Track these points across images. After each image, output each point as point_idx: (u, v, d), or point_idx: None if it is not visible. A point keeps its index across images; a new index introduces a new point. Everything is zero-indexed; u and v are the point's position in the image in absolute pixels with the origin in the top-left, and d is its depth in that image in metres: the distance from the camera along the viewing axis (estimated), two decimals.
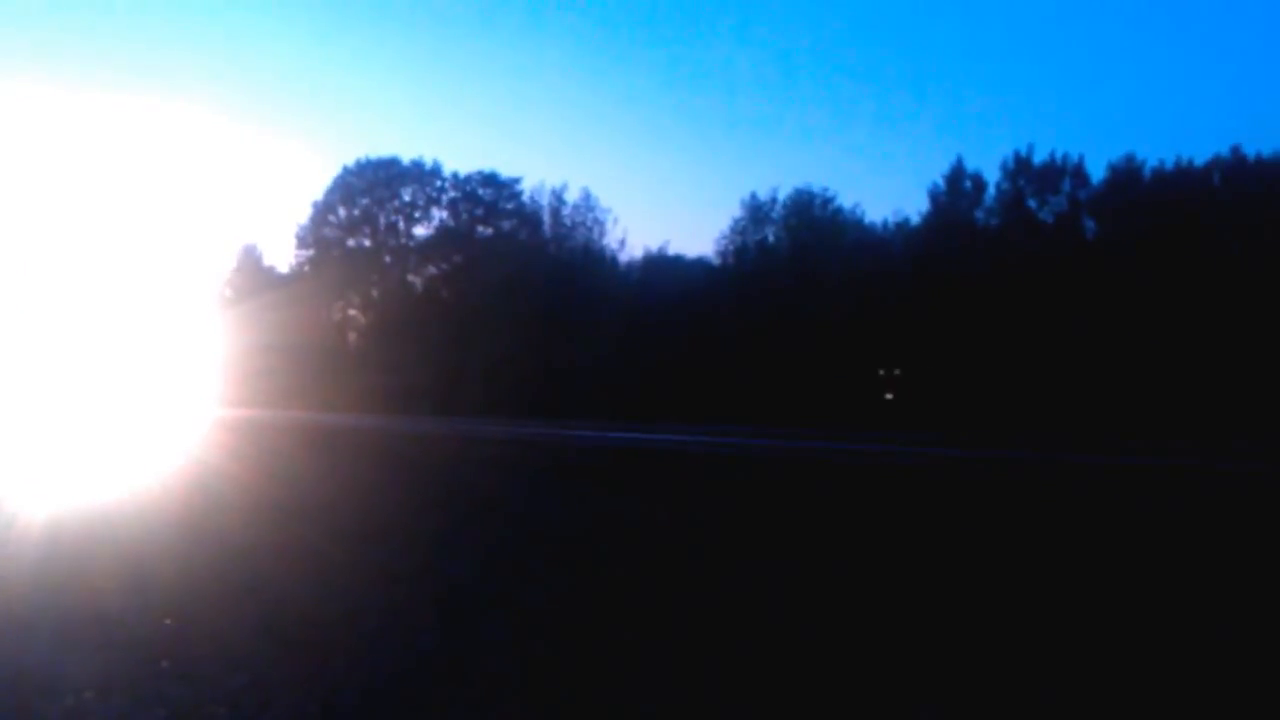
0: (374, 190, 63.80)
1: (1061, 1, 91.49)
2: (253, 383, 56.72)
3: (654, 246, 61.85)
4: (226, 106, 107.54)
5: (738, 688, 2.96)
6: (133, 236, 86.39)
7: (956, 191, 48.36)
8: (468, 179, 63.32)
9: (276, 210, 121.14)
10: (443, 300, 59.14)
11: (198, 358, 60.76)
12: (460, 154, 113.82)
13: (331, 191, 65.01)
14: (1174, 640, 3.63)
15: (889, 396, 45.70)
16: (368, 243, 64.32)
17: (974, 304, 42.07)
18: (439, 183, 63.77)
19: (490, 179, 63.15)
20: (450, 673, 3.10)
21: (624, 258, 60.60)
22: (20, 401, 40.32)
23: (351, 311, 64.64)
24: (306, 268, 65.39)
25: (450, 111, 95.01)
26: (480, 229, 63.10)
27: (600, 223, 60.35)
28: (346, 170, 64.65)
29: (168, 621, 3.68)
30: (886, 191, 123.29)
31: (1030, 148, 47.02)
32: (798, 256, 51.00)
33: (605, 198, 75.52)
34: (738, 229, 55.28)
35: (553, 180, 65.95)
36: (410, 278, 63.08)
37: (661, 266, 59.48)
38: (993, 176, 47.85)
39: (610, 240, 60.44)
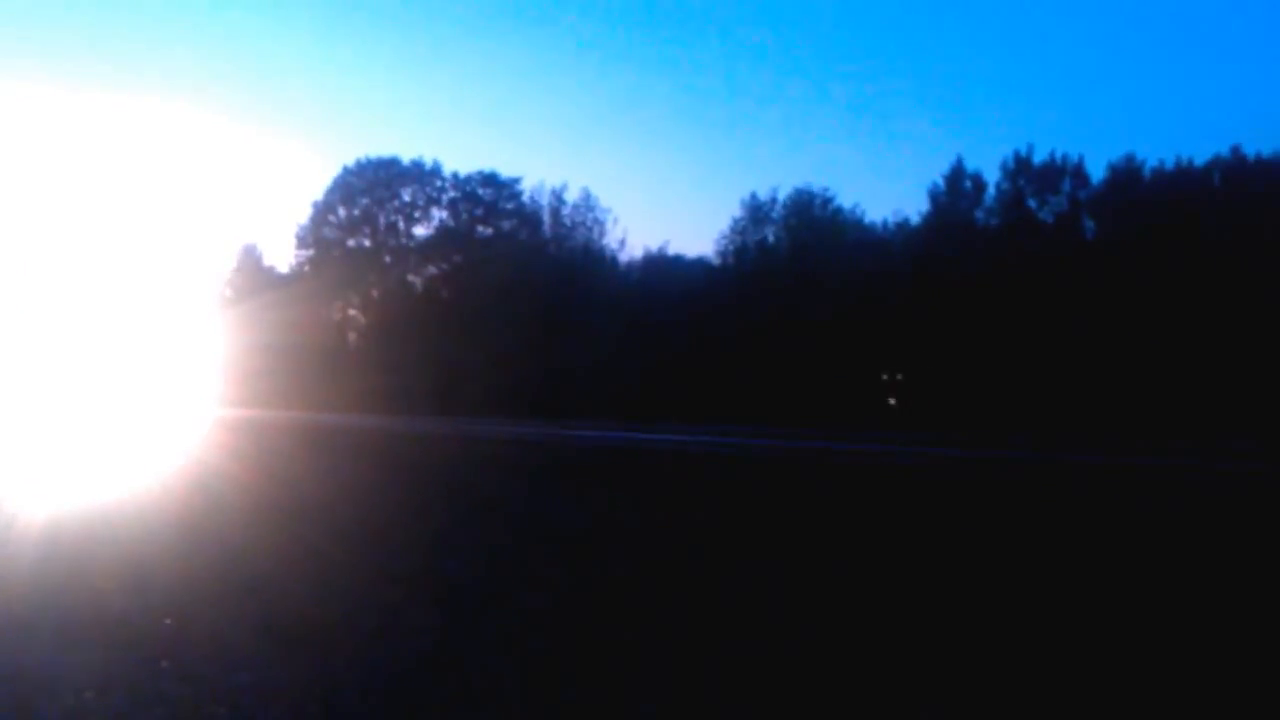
0: (374, 190, 63.78)
1: (1061, 1, 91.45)
2: (252, 383, 56.71)
3: (654, 246, 61.81)
4: (227, 106, 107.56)
5: (738, 688, 2.96)
6: (133, 237, 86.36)
7: (956, 191, 48.34)
8: (468, 179, 63.30)
9: (276, 210, 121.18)
10: (443, 300, 59.12)
11: (198, 358, 60.76)
12: (460, 154, 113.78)
13: (331, 191, 64.99)
14: (1174, 640, 3.63)
15: (891, 402, 45.71)
16: (368, 243, 64.30)
17: (974, 304, 42.06)
18: (439, 183, 63.75)
19: (490, 179, 63.13)
20: (450, 672, 3.10)
21: (624, 258, 60.57)
22: (21, 402, 40.32)
23: (351, 311, 64.63)
24: (306, 268, 65.36)
25: (450, 111, 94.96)
26: (480, 229, 63.08)
27: (600, 223, 60.33)
28: (346, 170, 64.62)
29: (168, 621, 3.68)
30: (886, 191, 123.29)
31: (1030, 148, 46.97)
32: (798, 256, 50.98)
33: (605, 198, 75.41)
34: (738, 229, 55.26)
35: (553, 180, 65.91)
36: (410, 278, 63.05)
37: (661, 266, 59.46)
38: (993, 176, 47.80)
39: (610, 240, 60.42)
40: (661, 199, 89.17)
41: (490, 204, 63.25)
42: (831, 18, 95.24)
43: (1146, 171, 45.76)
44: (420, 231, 64.02)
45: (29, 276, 56.04)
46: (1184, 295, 38.28)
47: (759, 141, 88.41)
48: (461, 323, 54.35)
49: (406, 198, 63.90)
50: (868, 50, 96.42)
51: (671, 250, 61.53)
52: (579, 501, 8.48)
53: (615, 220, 60.44)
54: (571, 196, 60.81)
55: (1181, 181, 44.36)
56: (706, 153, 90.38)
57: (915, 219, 50.90)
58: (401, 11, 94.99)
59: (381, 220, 64.05)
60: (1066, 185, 46.38)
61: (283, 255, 76.74)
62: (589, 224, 60.48)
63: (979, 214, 48.05)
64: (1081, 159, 46.15)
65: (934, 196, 49.01)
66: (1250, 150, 43.92)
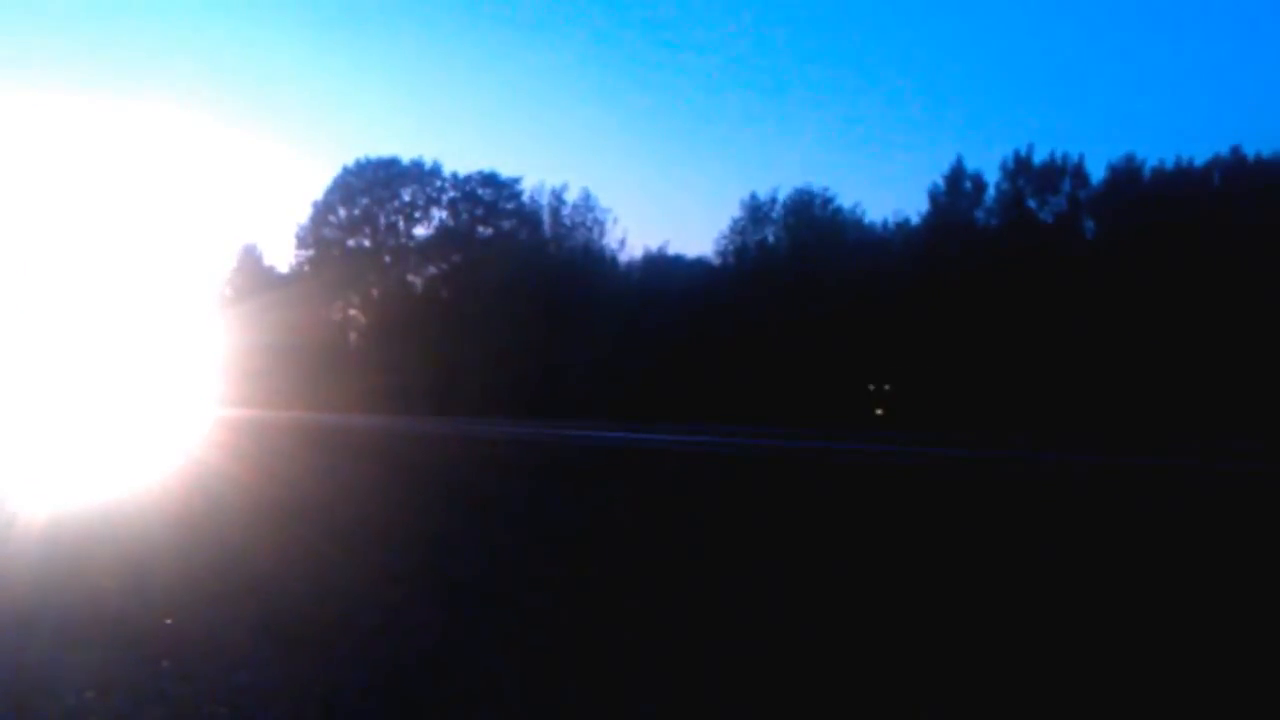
0: (374, 190, 63.79)
1: (1061, 1, 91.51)
2: (253, 382, 56.72)
3: (654, 246, 61.90)
4: (227, 107, 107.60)
5: (738, 687, 2.96)
6: (134, 237, 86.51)
7: (956, 191, 48.35)
8: (468, 179, 63.32)
9: (276, 210, 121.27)
10: (442, 300, 59.13)
11: (198, 358, 60.77)
12: (460, 154, 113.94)
13: (331, 191, 65.01)
14: (1174, 640, 3.63)
15: (887, 387, 45.64)
16: (368, 243, 64.31)
17: (974, 304, 42.06)
18: (439, 183, 63.78)
19: (490, 179, 63.15)
20: (450, 672, 3.10)
21: (624, 258, 60.62)
22: (21, 401, 40.32)
23: (351, 311, 64.64)
24: (306, 268, 65.37)
25: (450, 111, 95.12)
26: (480, 229, 63.10)
27: (600, 223, 60.37)
28: (346, 170, 64.65)
29: (168, 621, 3.68)
30: (886, 191, 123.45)
31: (1030, 148, 47.00)
32: (797, 257, 50.99)
33: (605, 198, 75.62)
34: (738, 229, 55.29)
35: (553, 180, 66.02)
36: (410, 278, 63.07)
37: (661, 266, 59.48)
38: (993, 177, 47.83)
39: (610, 240, 60.47)
40: (661, 199, 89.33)
41: (490, 204, 63.26)
42: (832, 18, 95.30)
43: (1146, 171, 45.78)
44: (420, 231, 64.07)
45: (30, 278, 56.05)
46: (1184, 295, 38.29)
47: (759, 141, 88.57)
48: (461, 323, 54.37)
49: (406, 198, 63.93)
50: (868, 50, 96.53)
51: (671, 250, 61.60)
52: (578, 501, 8.49)
53: (615, 220, 60.52)
54: (571, 196, 60.85)
55: (1181, 181, 44.39)
56: (706, 153, 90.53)
57: (915, 219, 50.94)
58: (402, 12, 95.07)
59: (381, 220, 64.07)
60: (1066, 185, 46.40)
61: (283, 255, 76.84)
62: (589, 224, 60.52)
63: (979, 214, 48.07)
64: (1081, 159, 46.20)
65: (934, 196, 49.04)
66: (1250, 150, 43.96)
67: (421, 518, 7.32)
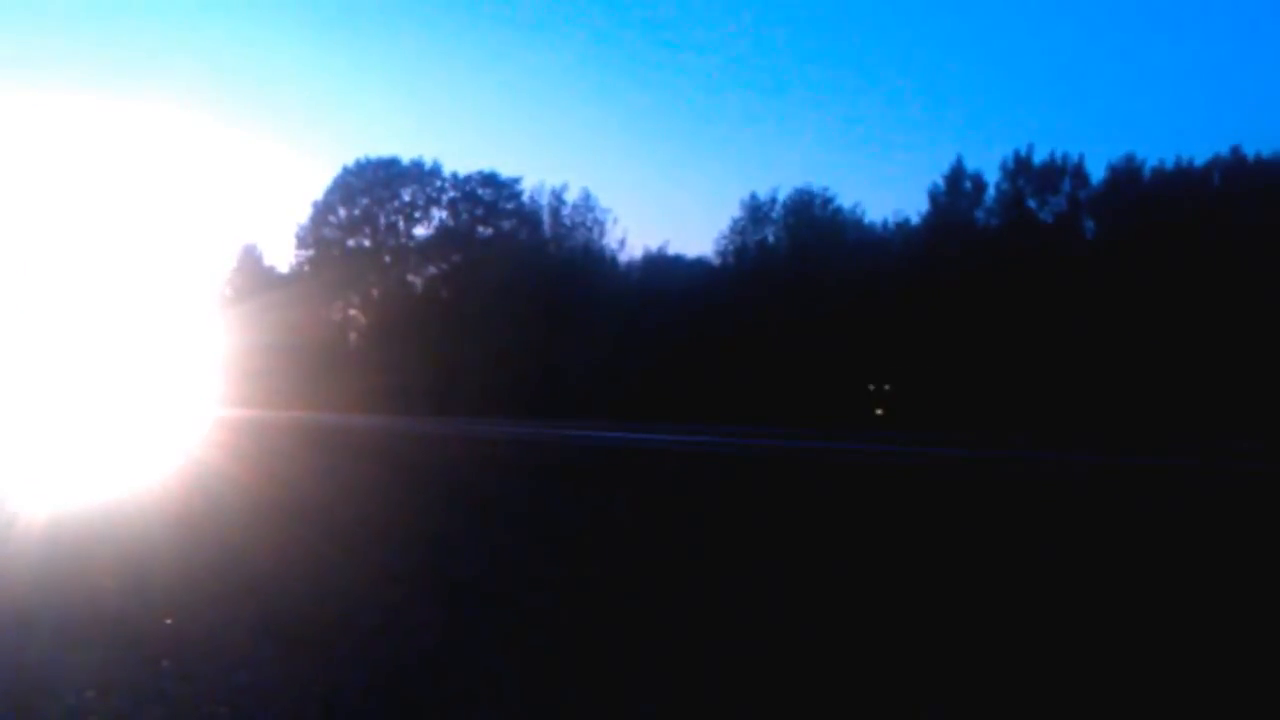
0: (374, 190, 63.81)
1: (1061, 1, 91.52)
2: (253, 382, 56.72)
3: (654, 246, 61.95)
4: (227, 107, 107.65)
5: (738, 687, 2.96)
6: (134, 238, 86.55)
7: (956, 191, 48.37)
8: (468, 179, 63.34)
9: (276, 210, 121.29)
10: (442, 300, 59.14)
11: (198, 358, 60.77)
12: (460, 154, 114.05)
13: (331, 191, 65.03)
14: (1174, 641, 3.63)
15: (887, 387, 45.65)
16: (368, 243, 64.33)
17: (974, 304, 42.06)
18: (439, 183, 63.79)
19: (490, 179, 63.17)
20: (450, 671, 3.10)
21: (624, 258, 60.65)
22: (22, 401, 40.32)
23: (351, 311, 64.66)
24: (306, 268, 65.39)
25: (450, 111, 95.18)
26: (480, 229, 63.12)
27: (600, 223, 60.40)
28: (346, 170, 64.68)
29: (168, 620, 3.68)
30: (886, 191, 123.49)
31: (1030, 148, 47.01)
32: (797, 256, 51.01)
33: (605, 198, 75.66)
34: (738, 229, 55.31)
35: (553, 180, 66.05)
36: (410, 278, 63.09)
37: (661, 266, 59.51)
38: (993, 177, 47.85)
39: (610, 240, 60.50)
40: (661, 199, 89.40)
41: (490, 204, 63.28)
42: (832, 18, 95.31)
43: (1146, 171, 45.79)
44: (420, 231, 64.10)
45: (31, 278, 56.06)
46: (1184, 295, 38.30)
47: (759, 141, 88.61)
48: (461, 323, 54.38)
49: (406, 198, 63.95)
50: (868, 50, 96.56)
51: (671, 250, 61.64)
52: (578, 501, 8.49)
53: (615, 220, 60.56)
54: (571, 196, 60.88)
55: (1181, 181, 44.40)
56: (706, 153, 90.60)
57: (915, 219, 50.97)
58: (402, 12, 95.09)
59: (381, 220, 64.08)
60: (1066, 185, 46.41)
61: (283, 255, 76.89)
62: (589, 224, 60.55)
63: (979, 214, 48.09)
64: (1081, 159, 46.22)
65: (934, 196, 49.05)
66: (1250, 150, 43.98)
67: (421, 518, 7.32)
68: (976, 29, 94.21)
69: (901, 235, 51.41)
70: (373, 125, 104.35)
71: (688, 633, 3.62)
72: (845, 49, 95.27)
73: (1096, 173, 46.37)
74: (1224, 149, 44.56)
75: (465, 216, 63.11)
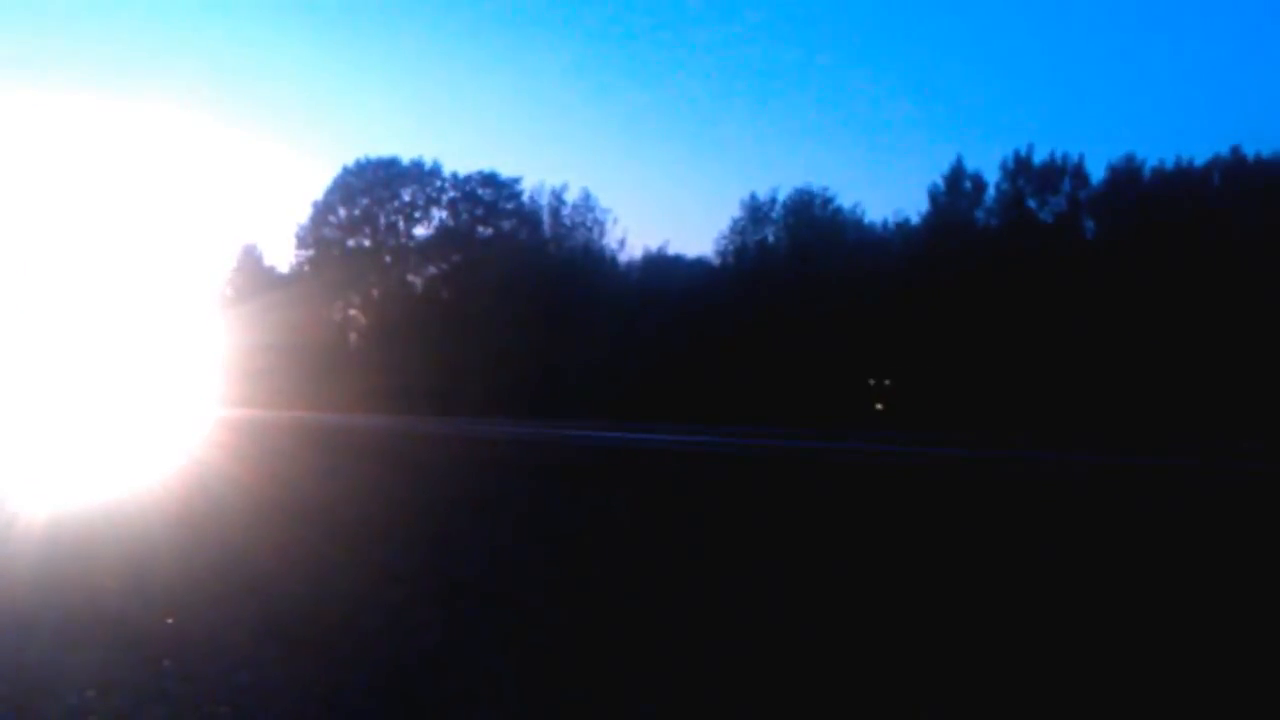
0: (374, 190, 63.81)
1: (1061, 1, 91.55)
2: (253, 382, 56.73)
3: (654, 246, 61.95)
4: (227, 107, 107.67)
5: (738, 687, 2.97)
6: (134, 238, 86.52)
7: (956, 191, 48.36)
8: (468, 179, 63.34)
9: (276, 210, 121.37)
10: (443, 300, 59.15)
11: (198, 358, 60.77)
12: (460, 154, 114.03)
13: (331, 191, 65.03)
14: (1174, 641, 3.64)
15: (887, 382, 45.63)
16: (368, 243, 64.33)
17: (974, 304, 42.06)
18: (439, 183, 63.79)
19: (490, 179, 63.17)
20: (451, 671, 3.10)
21: (623, 258, 60.65)
22: (22, 401, 40.32)
23: (352, 311, 64.66)
24: (307, 268, 65.40)
25: (450, 111, 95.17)
26: (480, 229, 63.12)
27: (600, 223, 60.39)
28: (346, 170, 64.67)
29: (169, 620, 3.68)
30: (886, 191, 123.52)
31: (1030, 148, 47.00)
32: (797, 256, 51.01)
33: (605, 198, 75.57)
34: (737, 229, 55.32)
35: (552, 180, 65.97)
36: (410, 278, 63.10)
37: (661, 266, 59.51)
38: (993, 177, 47.84)
39: (610, 240, 60.49)
40: (661, 199, 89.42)
41: (490, 204, 63.29)
42: (832, 18, 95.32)
43: (1146, 171, 45.80)
44: (420, 231, 64.10)
45: (31, 278, 56.07)
46: (1184, 295, 38.30)
47: (759, 141, 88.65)
48: (462, 323, 54.38)
49: (406, 198, 63.95)
50: (868, 50, 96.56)
51: (671, 250, 61.65)
52: (579, 501, 8.49)
53: (615, 220, 60.54)
54: (571, 197, 60.87)
55: (1181, 181, 44.41)
56: (706, 153, 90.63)
57: (915, 219, 50.96)
58: (402, 12, 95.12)
59: (381, 220, 64.09)
60: (1066, 185, 46.41)
61: (283, 255, 76.81)
62: (589, 224, 60.55)
63: (979, 214, 48.09)
64: (1081, 159, 46.21)
65: (934, 196, 49.05)
66: (1250, 150, 43.98)
67: (422, 518, 7.32)
68: (976, 29, 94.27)
69: (901, 235, 51.41)
70: (373, 125, 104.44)
71: (688, 633, 3.62)
72: (845, 49, 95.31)
73: (1096, 173, 46.40)
74: (1224, 149, 44.61)
75: (465, 216, 63.12)
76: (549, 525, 6.95)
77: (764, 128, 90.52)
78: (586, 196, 60.50)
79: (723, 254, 55.95)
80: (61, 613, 3.81)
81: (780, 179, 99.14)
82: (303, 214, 66.89)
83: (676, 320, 50.53)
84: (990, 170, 48.22)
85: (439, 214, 63.70)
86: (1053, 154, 46.38)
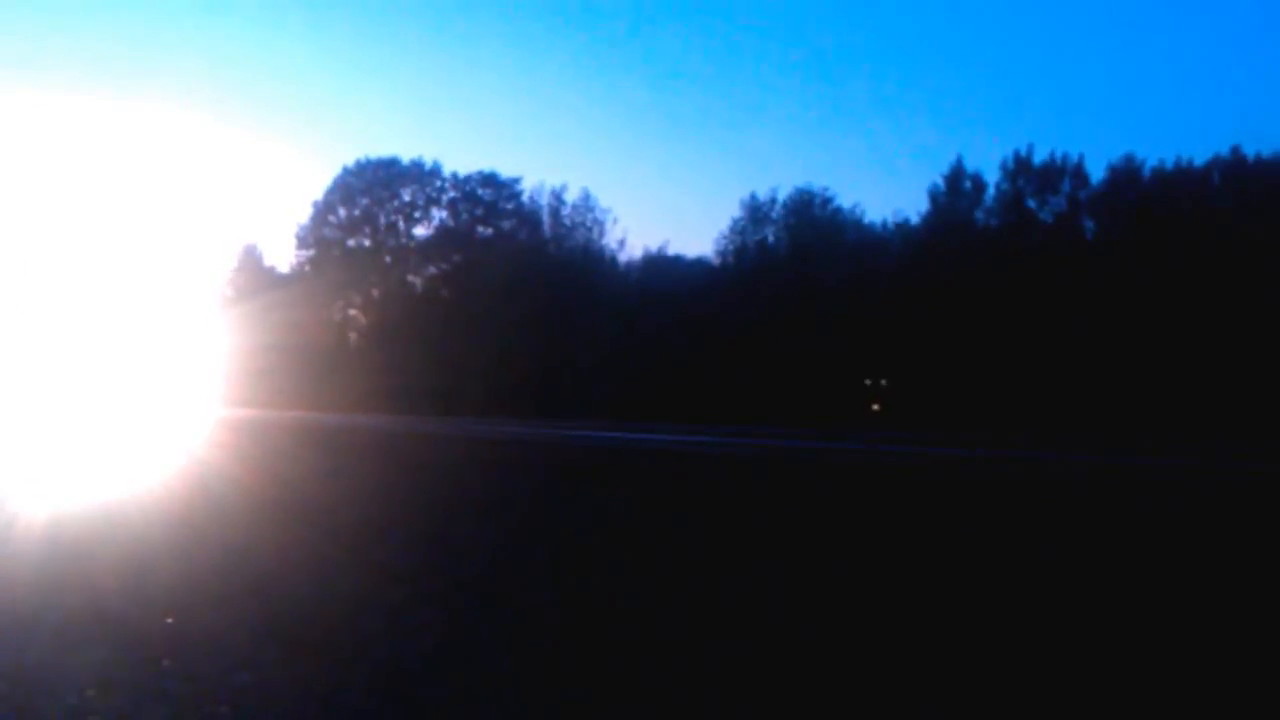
0: (374, 190, 63.80)
1: (1061, 2, 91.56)
2: (254, 382, 56.70)
3: (653, 247, 61.92)
4: (227, 107, 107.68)
5: (738, 687, 2.97)
6: (134, 238, 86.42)
7: (956, 191, 48.36)
8: (468, 179, 63.33)
9: (276, 210, 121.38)
10: (443, 300, 59.15)
11: (199, 358, 60.74)
12: (460, 154, 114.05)
13: (331, 191, 65.03)
14: (1173, 642, 3.64)
15: (884, 382, 45.62)
16: (368, 243, 64.33)
17: (974, 304, 42.05)
18: (439, 183, 63.79)
19: (490, 179, 63.16)
20: (451, 672, 3.11)
21: (623, 258, 60.64)
22: (22, 402, 40.32)
23: (352, 311, 64.66)
24: (307, 268, 65.39)
25: (450, 111, 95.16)
26: (480, 229, 63.11)
27: (600, 223, 60.38)
28: (346, 170, 64.67)
29: (169, 620, 3.69)
30: (886, 191, 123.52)
31: (1030, 148, 47.01)
32: (797, 256, 51.00)
33: (605, 198, 75.59)
34: (737, 229, 55.32)
35: (552, 180, 65.94)
36: (410, 278, 63.10)
37: (661, 267, 59.50)
38: (993, 176, 47.84)
39: (610, 240, 60.48)
40: (661, 199, 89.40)
41: (490, 204, 63.28)
42: (831, 18, 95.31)
43: (1146, 171, 45.79)
44: (420, 231, 64.11)
45: (31, 278, 56.07)
46: (1184, 295, 38.29)
47: (759, 141, 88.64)
48: (462, 323, 54.38)
49: (406, 198, 63.95)
50: (867, 50, 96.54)
51: (671, 250, 61.63)
52: (579, 501, 8.49)
53: (615, 220, 60.52)
54: (571, 197, 60.86)
55: (1181, 181, 44.40)
56: (706, 153, 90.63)
57: (915, 219, 50.96)
58: (402, 12, 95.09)
59: (381, 220, 64.09)
60: (1066, 185, 46.41)
61: (283, 255, 76.76)
62: (589, 224, 60.54)
63: (979, 214, 48.09)
64: (1081, 159, 46.22)
65: (934, 196, 49.05)
66: (1250, 150, 43.98)
67: (423, 518, 7.33)
68: (976, 29, 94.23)
69: (901, 235, 51.41)
70: (373, 125, 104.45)
71: (688, 633, 3.63)
72: (845, 49, 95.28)
73: (1096, 173, 46.41)
74: (1224, 149, 44.62)
75: (465, 216, 63.12)
76: (549, 525, 6.95)
77: (764, 128, 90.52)
78: (586, 196, 60.54)
79: (723, 254, 55.98)
80: (62, 613, 3.82)
81: (780, 179, 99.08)
82: (303, 214, 66.94)
83: (676, 320, 50.52)
84: (990, 170, 48.27)
85: (439, 214, 63.74)
86: (1053, 154, 46.43)
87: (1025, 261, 42.49)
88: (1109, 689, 2.96)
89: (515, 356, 50.85)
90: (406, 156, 63.71)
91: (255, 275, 67.55)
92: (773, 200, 54.40)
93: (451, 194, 63.40)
